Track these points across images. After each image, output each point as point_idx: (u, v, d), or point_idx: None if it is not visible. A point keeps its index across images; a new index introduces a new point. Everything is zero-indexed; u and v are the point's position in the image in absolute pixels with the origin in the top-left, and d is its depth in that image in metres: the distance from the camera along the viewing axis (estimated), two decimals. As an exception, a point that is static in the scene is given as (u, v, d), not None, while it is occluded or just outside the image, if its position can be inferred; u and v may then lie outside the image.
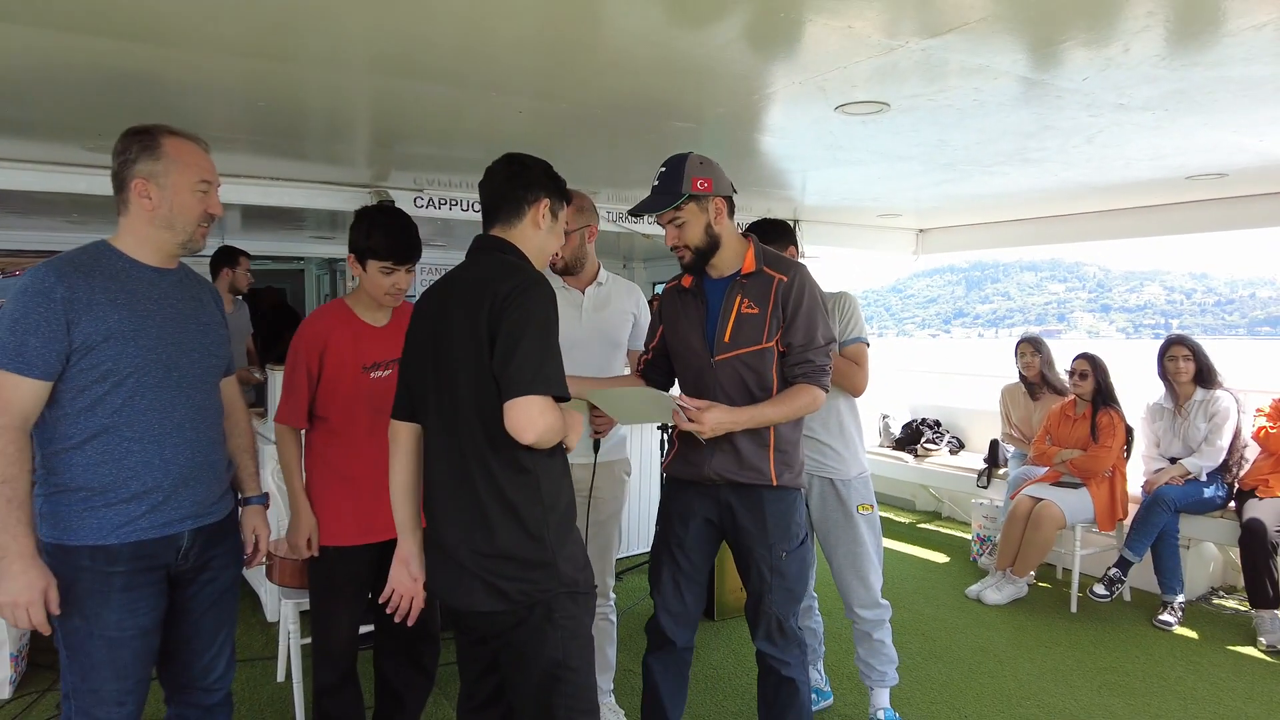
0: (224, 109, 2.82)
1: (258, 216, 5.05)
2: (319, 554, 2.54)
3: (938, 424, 6.02)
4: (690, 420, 2.19)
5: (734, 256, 2.29)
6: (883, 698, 2.99)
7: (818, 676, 3.22)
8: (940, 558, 5.27)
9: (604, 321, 2.77)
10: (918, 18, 1.93)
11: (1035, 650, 3.82)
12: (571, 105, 2.75)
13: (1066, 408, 4.55)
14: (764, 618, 2.33)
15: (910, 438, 5.92)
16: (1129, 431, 4.42)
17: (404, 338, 2.54)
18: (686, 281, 2.38)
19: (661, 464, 2.56)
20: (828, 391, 2.31)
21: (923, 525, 6.05)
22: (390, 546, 2.56)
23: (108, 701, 1.87)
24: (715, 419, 2.17)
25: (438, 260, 6.48)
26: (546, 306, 1.78)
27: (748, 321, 2.26)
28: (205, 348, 2.01)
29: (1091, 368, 4.38)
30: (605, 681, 2.96)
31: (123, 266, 1.88)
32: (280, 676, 3.43)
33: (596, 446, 2.66)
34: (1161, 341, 4.47)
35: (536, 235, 1.90)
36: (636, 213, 2.27)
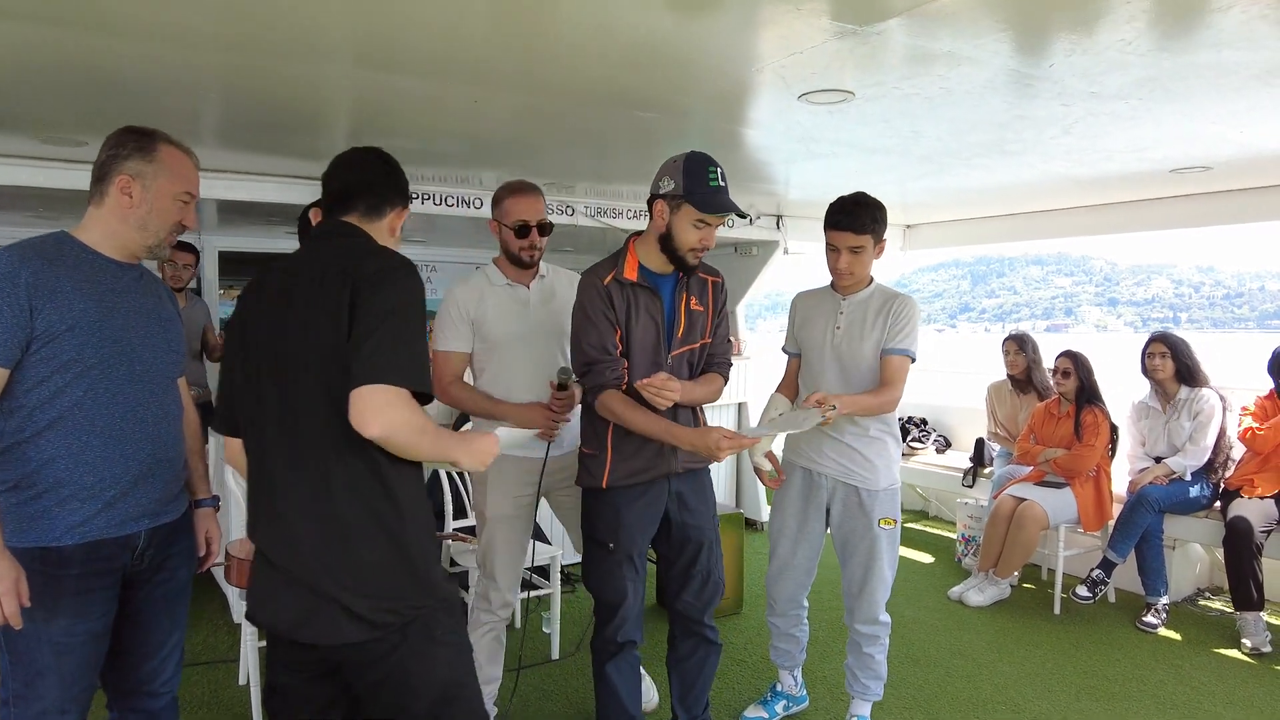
0: (189, 102, 2.76)
1: (231, 212, 4.98)
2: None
3: (924, 422, 5.93)
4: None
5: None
6: (863, 708, 2.95)
7: (792, 682, 3.18)
8: (925, 558, 5.20)
9: (551, 314, 2.74)
10: (859, 4, 1.84)
11: (1015, 653, 3.74)
12: (534, 96, 2.69)
13: (1050, 406, 4.47)
14: (711, 589, 2.52)
15: (897, 435, 5.83)
16: (1114, 430, 4.34)
17: None
18: (631, 274, 2.33)
19: (599, 481, 2.39)
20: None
21: (910, 525, 5.97)
22: None
23: (50, 710, 1.81)
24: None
25: (421, 256, 6.41)
26: (415, 293, 1.61)
27: (696, 319, 2.41)
28: (166, 344, 1.98)
29: (1074, 366, 4.29)
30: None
31: (86, 257, 1.85)
32: (242, 679, 3.37)
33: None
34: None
35: (388, 242, 1.76)
36: (725, 210, 2.30)
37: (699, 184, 2.25)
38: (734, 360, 2.73)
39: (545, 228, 2.67)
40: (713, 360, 2.50)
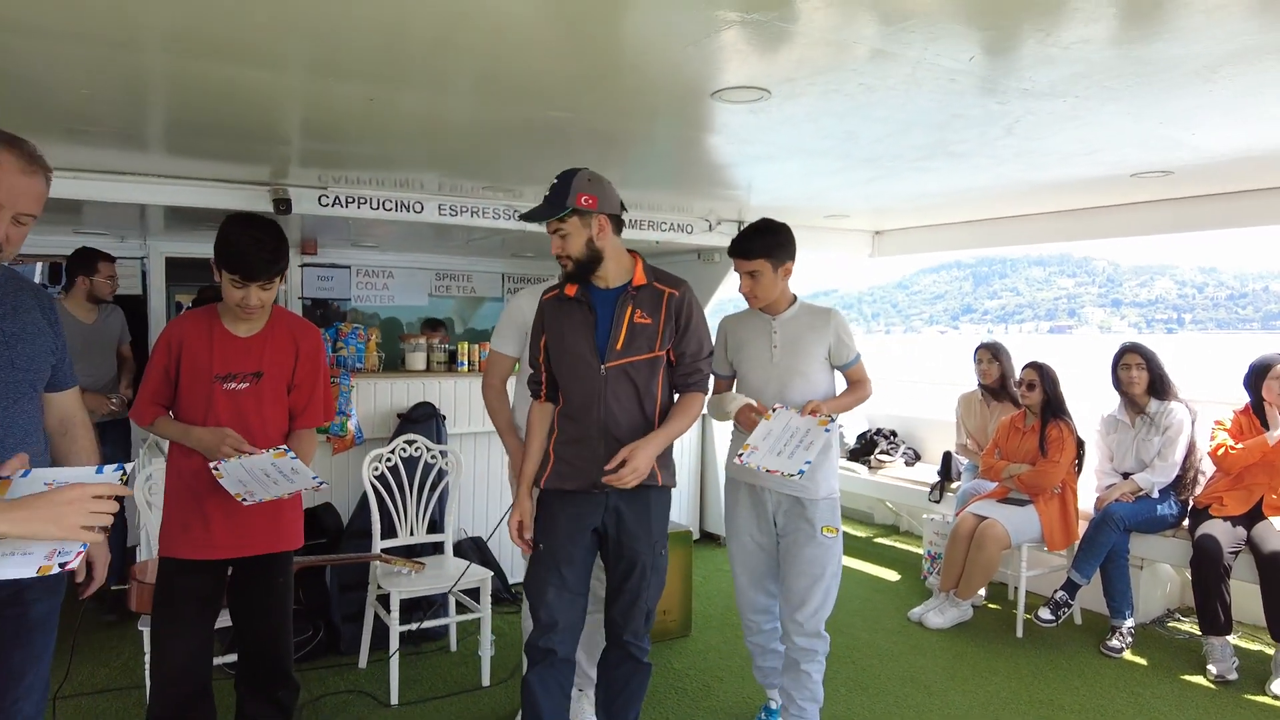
0: (134, 107, 2.68)
1: (177, 218, 4.82)
2: (161, 568, 2.44)
3: (894, 434, 5.75)
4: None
5: (621, 270, 2.38)
6: None
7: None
8: (891, 575, 5.02)
9: None
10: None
11: (970, 680, 3.56)
12: (456, 95, 2.57)
13: (1016, 419, 4.29)
14: (638, 613, 2.43)
15: (864, 448, 5.65)
16: (1081, 445, 4.15)
17: (271, 351, 2.39)
18: (571, 290, 2.39)
19: (540, 480, 2.43)
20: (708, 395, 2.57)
21: (879, 540, 5.79)
22: (242, 566, 2.45)
23: None
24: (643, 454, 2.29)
25: (371, 262, 6.25)
26: None
27: (641, 331, 2.36)
28: (9, 360, 1.80)
29: (1040, 377, 4.11)
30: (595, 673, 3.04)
31: None
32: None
33: None
34: (1115, 349, 4.21)
35: None
36: (526, 219, 2.36)
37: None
38: None
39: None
40: (686, 381, 2.46)
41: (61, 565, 1.40)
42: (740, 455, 2.62)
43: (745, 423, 2.72)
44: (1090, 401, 4.39)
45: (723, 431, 5.69)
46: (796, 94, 2.40)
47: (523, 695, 2.45)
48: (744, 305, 2.94)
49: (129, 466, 1.58)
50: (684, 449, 5.54)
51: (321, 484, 2.37)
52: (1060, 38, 1.90)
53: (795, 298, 2.84)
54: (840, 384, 2.86)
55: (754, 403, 2.72)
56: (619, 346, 2.34)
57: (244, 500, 2.32)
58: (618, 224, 2.36)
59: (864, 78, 2.24)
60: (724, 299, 5.67)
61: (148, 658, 2.96)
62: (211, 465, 2.26)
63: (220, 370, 2.38)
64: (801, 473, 2.52)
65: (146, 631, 2.95)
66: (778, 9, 1.79)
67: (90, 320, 4.14)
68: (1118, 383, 4.13)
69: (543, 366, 2.47)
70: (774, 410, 2.64)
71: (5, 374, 1.80)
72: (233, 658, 2.71)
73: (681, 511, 5.49)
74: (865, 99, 2.43)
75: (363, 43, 2.07)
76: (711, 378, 2.60)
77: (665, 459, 2.45)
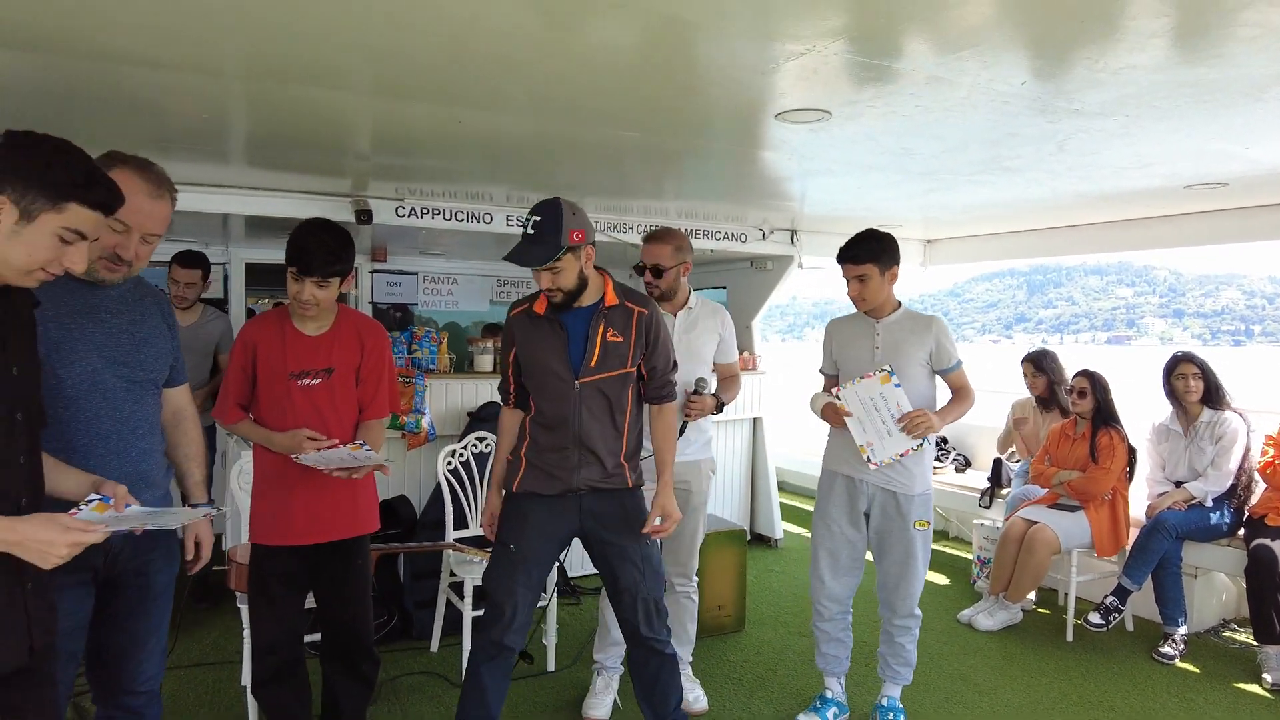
0: (219, 125, 2.93)
1: (257, 226, 5.14)
2: (252, 554, 2.66)
3: (944, 441, 5.81)
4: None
5: (594, 290, 2.48)
6: (894, 690, 3.17)
7: (839, 689, 3.26)
8: (941, 579, 5.09)
9: (693, 341, 3.14)
10: (815, 24, 1.84)
11: (1020, 680, 3.64)
12: (534, 117, 2.76)
13: (1067, 427, 4.34)
14: (643, 605, 2.56)
15: (915, 453, 5.73)
16: (1132, 453, 4.19)
17: (339, 348, 2.59)
18: (540, 308, 2.49)
19: (511, 484, 2.58)
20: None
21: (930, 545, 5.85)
22: (323, 551, 2.63)
23: None
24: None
25: (437, 269, 6.53)
26: None
27: (613, 348, 2.49)
28: (138, 362, 2.03)
29: (1091, 385, 4.17)
30: (685, 653, 3.31)
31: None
32: (244, 680, 3.47)
33: (682, 428, 3.04)
34: (1169, 358, 4.24)
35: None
36: (514, 261, 2.36)
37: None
38: (747, 376, 2.90)
39: (656, 270, 3.08)
40: (659, 394, 2.60)
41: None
42: (870, 461, 2.84)
43: (832, 419, 2.96)
44: (1149, 414, 4.39)
45: (773, 436, 5.83)
46: (856, 115, 2.55)
47: (470, 685, 2.56)
48: (732, 311, 3.26)
49: (214, 510, 1.87)
50: (733, 452, 5.69)
51: (387, 464, 2.58)
52: (1108, 64, 2.03)
53: (900, 304, 3.01)
54: (942, 390, 3.04)
55: (836, 401, 2.94)
56: (593, 363, 2.46)
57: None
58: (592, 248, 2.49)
59: (921, 100, 2.38)
60: (774, 305, 5.81)
61: (246, 632, 3.23)
62: (295, 458, 2.46)
63: (294, 368, 2.55)
64: (922, 444, 2.84)
65: (245, 608, 3.21)
66: (844, 40, 1.95)
67: (185, 323, 4.39)
68: (1171, 392, 4.17)
69: (511, 378, 2.61)
70: (846, 387, 2.88)
71: (134, 374, 2.02)
72: (318, 636, 2.93)
73: (733, 512, 5.64)
74: (922, 119, 2.58)
75: (476, 72, 2.28)
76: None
77: (634, 462, 2.59)
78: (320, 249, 2.41)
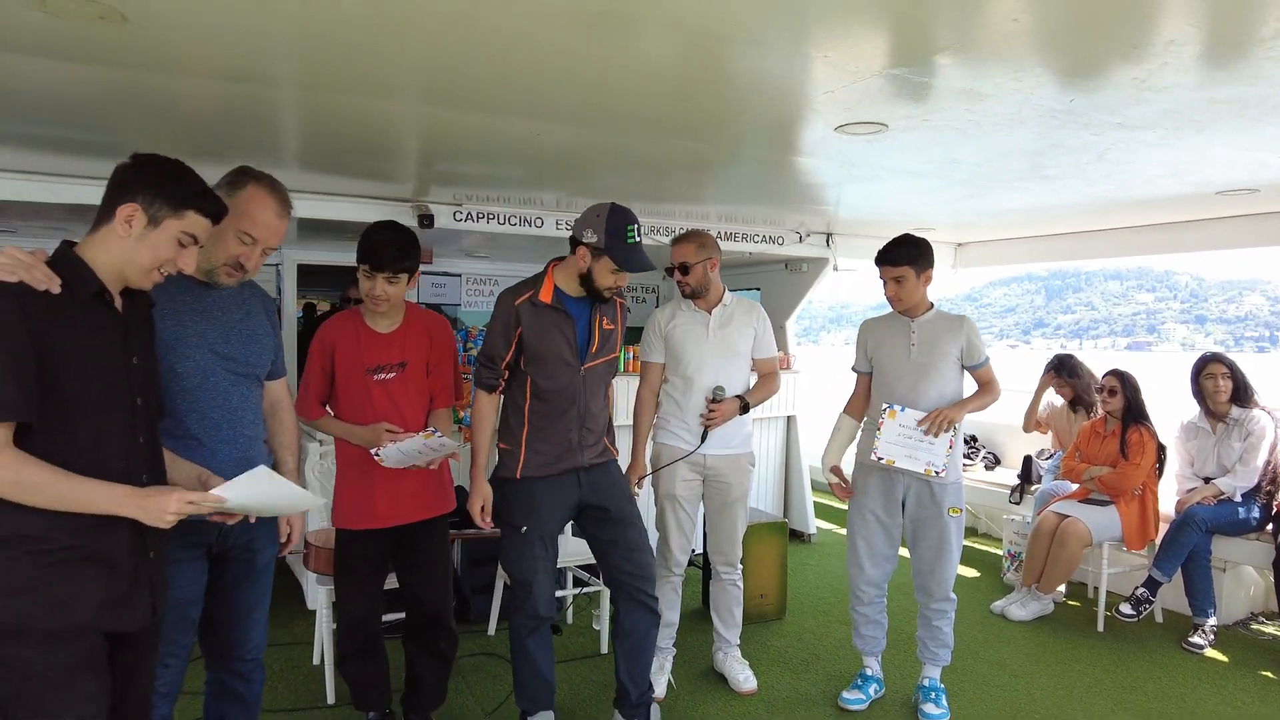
0: (273, 132, 3.09)
1: (308, 228, 5.36)
2: (337, 538, 2.85)
3: (974, 439, 5.96)
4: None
5: None
6: (934, 671, 3.34)
7: (878, 666, 3.45)
8: (971, 573, 5.24)
9: (728, 336, 3.33)
10: (885, 49, 2.03)
11: (1053, 666, 3.80)
12: (594, 130, 2.94)
13: (1097, 424, 4.49)
14: (645, 556, 2.85)
15: (946, 451, 5.88)
16: (1162, 449, 4.34)
17: (410, 343, 2.79)
18: (546, 297, 2.71)
19: (514, 472, 2.77)
20: None
21: (959, 539, 6.01)
22: (401, 532, 2.82)
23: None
24: None
25: (480, 271, 6.76)
26: None
27: (608, 335, 2.81)
28: (246, 356, 2.23)
29: (1121, 385, 4.32)
30: (734, 636, 3.57)
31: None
32: (316, 659, 3.68)
33: (704, 436, 3.25)
34: (1196, 359, 4.38)
35: (119, 244, 1.69)
36: (643, 269, 2.69)
37: (618, 241, 2.62)
38: (784, 374, 3.07)
39: (684, 268, 3.29)
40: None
41: None
42: (938, 473, 3.04)
43: (840, 494, 3.35)
44: (1174, 417, 4.51)
45: (807, 436, 5.99)
46: (911, 128, 2.73)
47: (520, 658, 2.83)
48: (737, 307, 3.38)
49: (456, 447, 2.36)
50: (769, 450, 5.86)
51: (457, 449, 2.75)
52: (1152, 84, 2.20)
53: (933, 304, 3.20)
54: (969, 385, 3.21)
55: (837, 477, 3.34)
56: (594, 350, 2.75)
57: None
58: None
59: (974, 115, 2.56)
60: (808, 302, 5.98)
61: (323, 612, 3.44)
62: (373, 452, 2.63)
63: (370, 364, 2.73)
64: (943, 469, 3.03)
65: (323, 591, 3.42)
66: (912, 65, 2.13)
67: None
68: (1199, 392, 4.31)
69: (506, 364, 2.74)
70: (879, 449, 3.08)
71: (241, 368, 2.22)
72: (397, 617, 3.09)
73: (769, 508, 5.81)
74: (973, 131, 2.75)
75: (570, 93, 2.46)
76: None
77: (612, 436, 2.93)
78: (390, 246, 2.61)
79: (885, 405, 3.08)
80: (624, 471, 3.03)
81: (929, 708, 3.24)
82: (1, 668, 1.58)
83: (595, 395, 2.79)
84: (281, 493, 1.87)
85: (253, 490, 1.75)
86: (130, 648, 1.76)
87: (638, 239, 2.64)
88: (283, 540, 2.42)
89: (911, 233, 3.14)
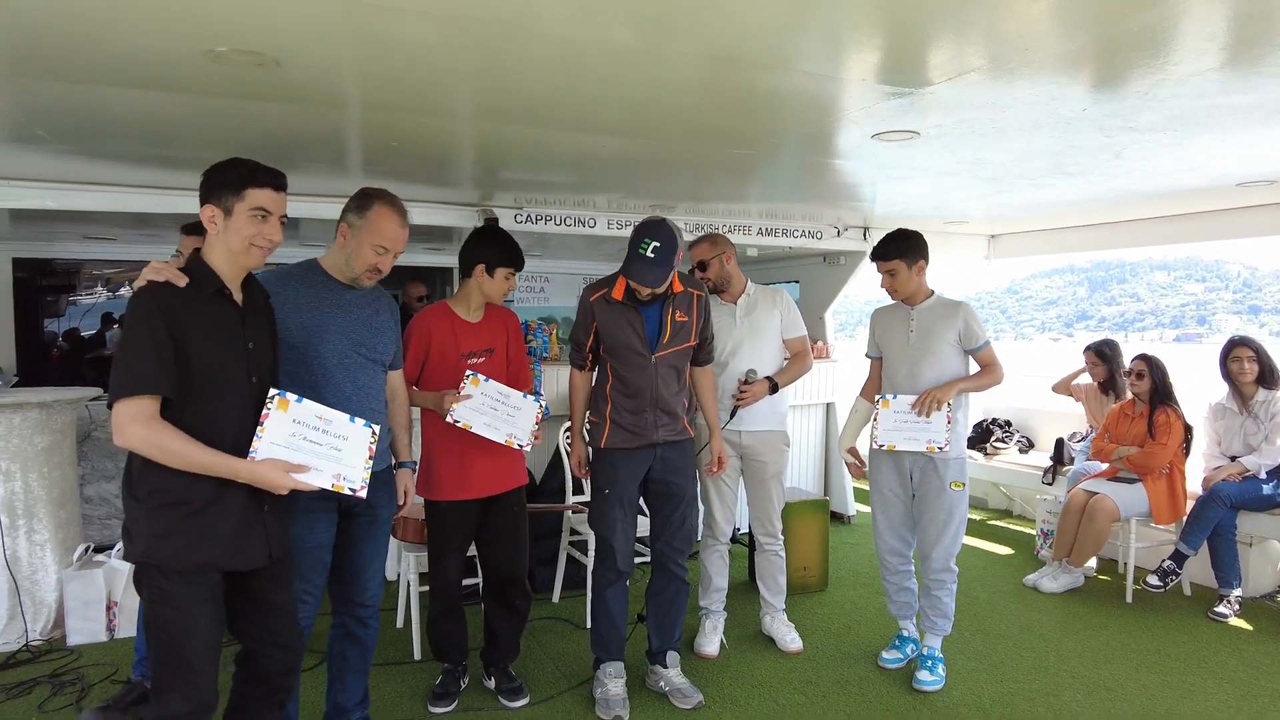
0: (339, 146, 3.46)
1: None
2: (434, 509, 3.15)
3: (1008, 424, 6.19)
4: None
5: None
6: (934, 640, 3.51)
7: (913, 628, 3.71)
8: (1005, 551, 5.48)
9: (755, 320, 3.68)
10: (910, 72, 2.33)
11: (1082, 632, 4.04)
12: (642, 140, 3.26)
13: (1126, 407, 4.72)
14: (686, 534, 3.18)
15: (980, 437, 6.13)
16: (1188, 430, 4.55)
17: (495, 332, 3.15)
18: (618, 294, 3.01)
19: (599, 441, 3.13)
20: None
21: (993, 522, 6.24)
22: (489, 501, 3.16)
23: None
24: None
25: (532, 268, 7.12)
26: (132, 311, 1.91)
27: (681, 327, 3.08)
28: (372, 347, 2.62)
29: (1148, 368, 4.54)
30: (779, 602, 3.90)
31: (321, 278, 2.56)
32: (399, 623, 4.06)
33: (733, 413, 3.58)
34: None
35: (216, 240, 2.03)
36: (635, 279, 2.90)
37: (631, 250, 2.89)
38: (821, 364, 3.39)
39: (701, 265, 3.65)
40: (708, 357, 3.28)
41: (352, 490, 2.18)
42: (940, 449, 3.26)
43: (854, 473, 3.72)
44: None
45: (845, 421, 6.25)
46: (941, 134, 3.02)
47: (599, 608, 3.19)
48: (804, 304, 3.56)
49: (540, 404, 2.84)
50: (809, 435, 6.15)
51: (538, 408, 3.05)
52: (1158, 94, 2.47)
53: (932, 292, 3.43)
54: (974, 368, 3.44)
55: (854, 457, 3.70)
56: (665, 340, 3.02)
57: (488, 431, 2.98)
58: None
59: (997, 123, 2.85)
60: (845, 295, 6.25)
61: (412, 577, 3.81)
62: (449, 419, 2.88)
63: (465, 349, 3.09)
64: (945, 444, 3.22)
65: (411, 558, 3.79)
66: (940, 84, 2.43)
67: None
68: (1227, 374, 4.51)
69: (588, 348, 3.11)
70: (879, 438, 3.33)
71: (370, 354, 2.61)
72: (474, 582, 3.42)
73: (813, 487, 6.10)
74: (996, 137, 3.04)
75: (620, 111, 2.80)
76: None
77: (690, 415, 3.22)
78: (519, 248, 3.08)
79: (879, 397, 3.37)
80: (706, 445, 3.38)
81: (924, 675, 3.41)
82: (150, 593, 1.98)
83: (668, 382, 3.05)
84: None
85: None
86: (265, 578, 2.15)
87: (648, 253, 2.85)
88: (400, 502, 2.79)
89: (904, 227, 3.38)
